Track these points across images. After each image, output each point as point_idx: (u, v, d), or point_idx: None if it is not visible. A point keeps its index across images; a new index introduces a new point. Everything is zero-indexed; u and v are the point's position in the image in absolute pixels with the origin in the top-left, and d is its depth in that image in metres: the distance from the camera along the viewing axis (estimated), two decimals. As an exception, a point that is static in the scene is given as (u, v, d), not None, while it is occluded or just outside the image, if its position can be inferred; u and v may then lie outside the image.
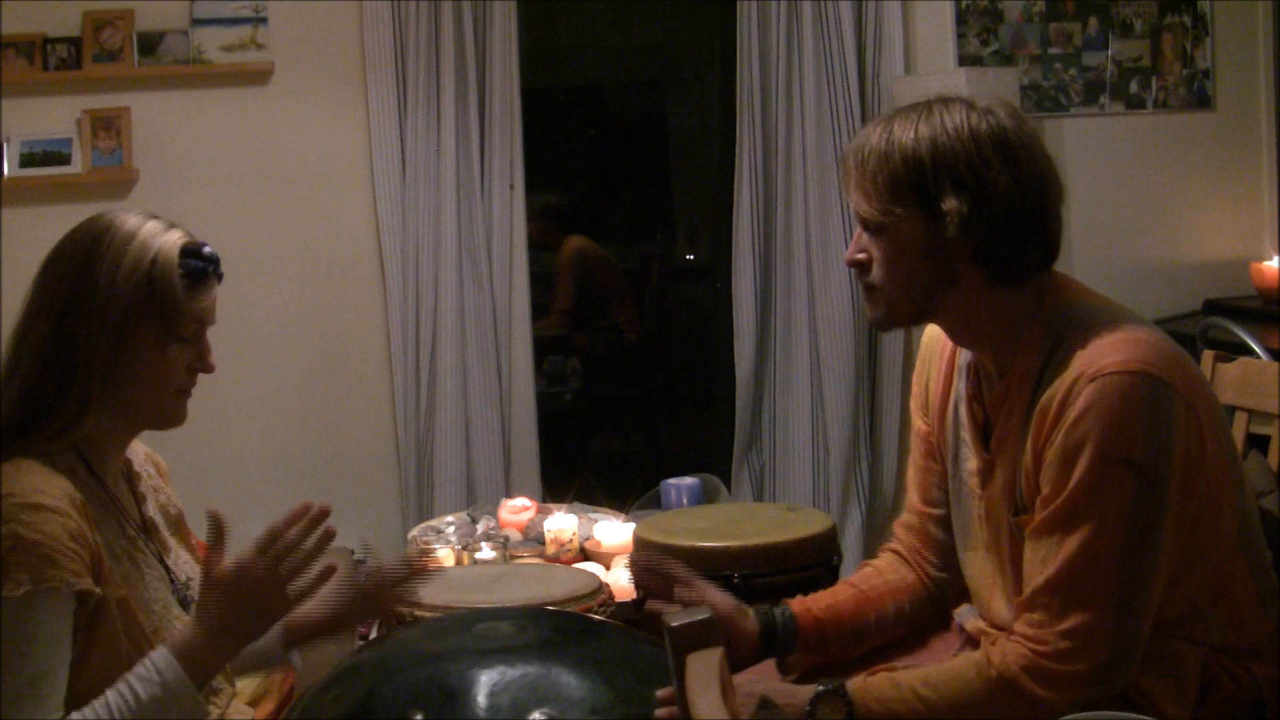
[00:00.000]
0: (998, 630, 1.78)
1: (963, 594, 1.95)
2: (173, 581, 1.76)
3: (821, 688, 1.68)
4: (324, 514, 1.62)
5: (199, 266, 1.70)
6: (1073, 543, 1.60)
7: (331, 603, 1.94)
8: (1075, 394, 1.60)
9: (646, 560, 2.04)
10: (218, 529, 1.60)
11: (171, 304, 1.66)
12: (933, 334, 1.96)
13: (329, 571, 1.62)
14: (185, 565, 1.82)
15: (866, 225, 1.75)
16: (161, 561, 1.76)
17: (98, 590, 1.57)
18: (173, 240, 1.69)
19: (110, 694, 1.54)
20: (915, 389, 1.99)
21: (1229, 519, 1.70)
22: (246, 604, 1.59)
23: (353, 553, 3.86)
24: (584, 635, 1.62)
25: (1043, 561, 1.63)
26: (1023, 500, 1.71)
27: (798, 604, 1.96)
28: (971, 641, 1.88)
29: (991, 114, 1.70)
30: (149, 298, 1.65)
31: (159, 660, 1.55)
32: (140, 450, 1.85)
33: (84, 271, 1.65)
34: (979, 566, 1.86)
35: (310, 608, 1.98)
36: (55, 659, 1.53)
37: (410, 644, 1.63)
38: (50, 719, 1.51)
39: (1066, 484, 1.60)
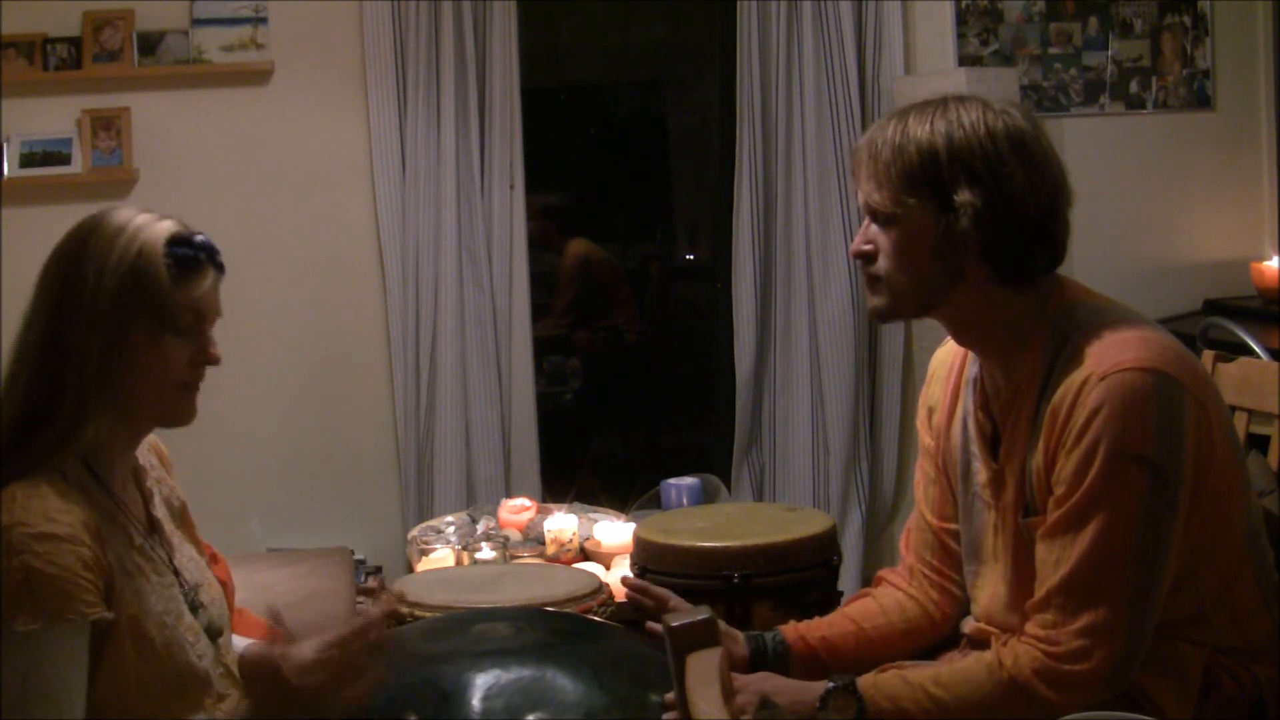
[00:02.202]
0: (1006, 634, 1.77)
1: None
2: (182, 586, 1.74)
3: (832, 684, 1.68)
4: (384, 641, 1.60)
5: (188, 254, 1.66)
6: (1086, 541, 1.60)
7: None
8: (1086, 393, 1.60)
9: (635, 582, 2.03)
10: (278, 620, 1.60)
11: (158, 293, 1.62)
12: (940, 356, 1.96)
13: (378, 676, 1.59)
14: (191, 565, 1.80)
15: (876, 216, 1.74)
16: (171, 565, 1.74)
17: (111, 615, 1.56)
18: (161, 229, 1.66)
19: None
20: (921, 410, 1.98)
21: (1237, 517, 1.70)
22: (302, 700, 1.57)
23: (352, 553, 3.86)
24: (581, 638, 1.62)
25: (1056, 562, 1.63)
26: (1033, 502, 1.71)
27: (791, 630, 1.93)
28: (973, 643, 1.88)
29: (1008, 114, 1.70)
30: (136, 289, 1.62)
31: None
32: (146, 439, 1.81)
33: (73, 270, 1.62)
34: (989, 579, 1.84)
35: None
36: (75, 690, 1.52)
37: (407, 645, 1.63)
38: None
39: (1080, 483, 1.60)
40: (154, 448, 1.86)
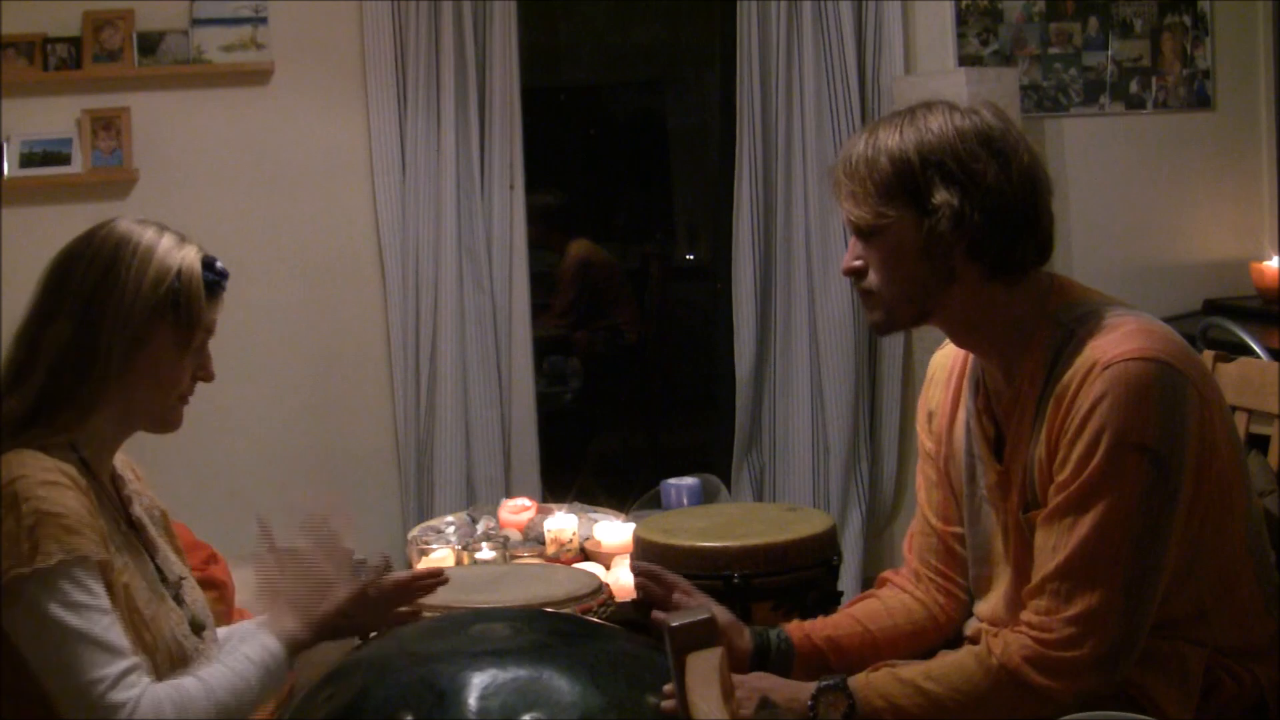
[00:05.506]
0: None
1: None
2: (164, 579, 1.80)
3: (823, 683, 1.68)
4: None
5: (214, 279, 1.79)
6: (1084, 528, 1.60)
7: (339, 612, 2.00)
8: (1090, 381, 1.61)
9: (647, 568, 2.04)
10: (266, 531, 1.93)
11: (196, 313, 1.75)
12: (938, 360, 1.96)
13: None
14: (174, 565, 1.87)
15: (860, 232, 1.76)
16: (152, 559, 1.81)
17: (115, 564, 1.64)
18: (193, 252, 1.78)
19: (229, 664, 1.70)
20: (920, 414, 1.99)
21: (1237, 514, 1.71)
22: (356, 623, 1.94)
23: (353, 553, 3.86)
24: (578, 638, 1.62)
25: (1053, 548, 1.63)
26: (1034, 495, 1.71)
27: (796, 629, 1.94)
28: (973, 643, 1.88)
29: (975, 113, 1.72)
30: (174, 305, 1.73)
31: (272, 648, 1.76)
32: (119, 457, 1.89)
33: (107, 275, 1.72)
34: (998, 582, 1.84)
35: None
36: (106, 617, 1.59)
37: (405, 644, 1.64)
38: (131, 667, 1.58)
39: (1082, 470, 1.61)
40: (128, 464, 1.93)
